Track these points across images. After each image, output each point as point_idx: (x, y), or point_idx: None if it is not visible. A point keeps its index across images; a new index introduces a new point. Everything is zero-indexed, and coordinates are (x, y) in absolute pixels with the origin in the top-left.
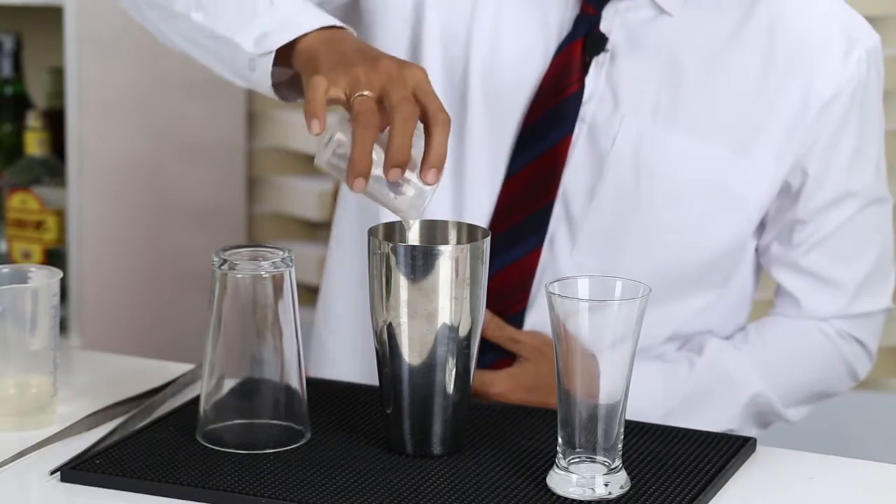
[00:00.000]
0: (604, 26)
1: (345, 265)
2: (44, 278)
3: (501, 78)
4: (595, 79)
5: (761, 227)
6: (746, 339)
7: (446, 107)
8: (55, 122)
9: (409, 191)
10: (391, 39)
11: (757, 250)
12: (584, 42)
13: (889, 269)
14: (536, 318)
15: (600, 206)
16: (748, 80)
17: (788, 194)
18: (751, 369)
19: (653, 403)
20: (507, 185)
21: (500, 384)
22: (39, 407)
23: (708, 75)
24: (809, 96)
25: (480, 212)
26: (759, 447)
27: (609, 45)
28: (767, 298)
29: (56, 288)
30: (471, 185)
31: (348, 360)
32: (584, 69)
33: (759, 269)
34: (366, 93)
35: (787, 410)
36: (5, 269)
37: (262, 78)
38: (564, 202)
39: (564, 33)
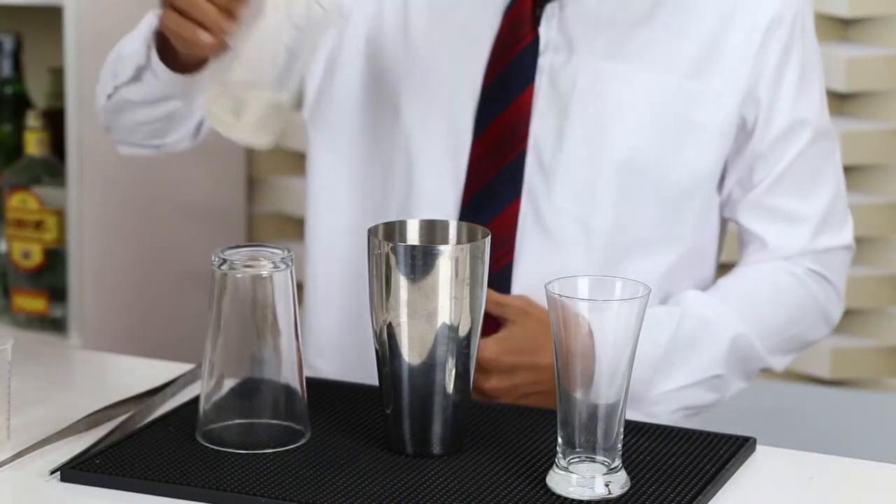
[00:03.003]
0: None
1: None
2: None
3: (453, 41)
4: (547, 29)
5: (722, 179)
6: (719, 287)
7: (400, 79)
8: (55, 122)
9: (254, 103)
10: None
11: (721, 207)
12: None
13: (845, 205)
14: (524, 269)
15: (569, 148)
16: (696, 9)
17: (745, 130)
18: (728, 313)
19: (638, 356)
20: (477, 144)
21: (489, 348)
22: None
23: (656, 9)
24: (755, 20)
25: (453, 174)
26: (759, 447)
27: None
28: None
29: None
30: (435, 152)
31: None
32: (536, 21)
33: (723, 233)
34: None
35: (771, 358)
36: None
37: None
38: (536, 151)
39: None
